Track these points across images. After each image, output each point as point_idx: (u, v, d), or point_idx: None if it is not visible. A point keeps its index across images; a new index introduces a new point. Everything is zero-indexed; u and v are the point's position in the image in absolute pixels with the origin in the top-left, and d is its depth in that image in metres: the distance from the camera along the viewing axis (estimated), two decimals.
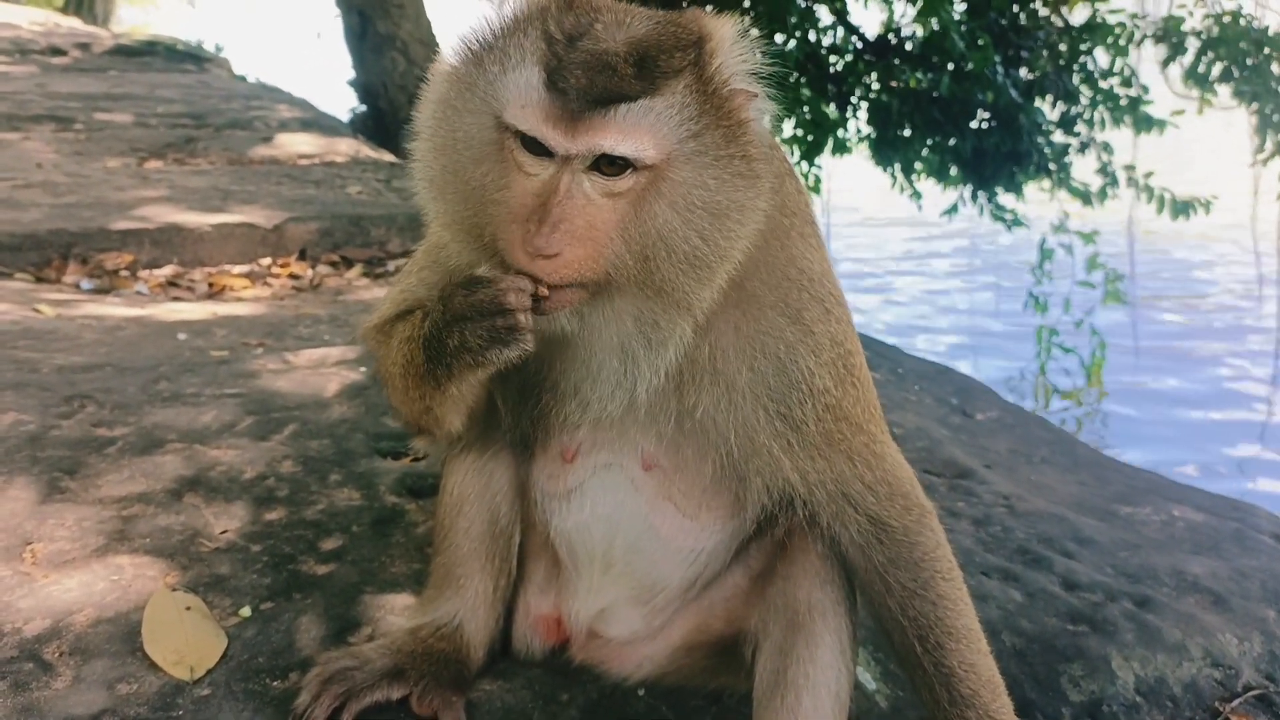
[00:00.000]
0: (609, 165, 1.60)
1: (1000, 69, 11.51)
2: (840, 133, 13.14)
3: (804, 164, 13.15)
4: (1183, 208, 11.51)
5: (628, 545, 1.99)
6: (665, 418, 1.86)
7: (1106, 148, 12.23)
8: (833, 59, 13.19)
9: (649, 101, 1.58)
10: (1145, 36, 12.18)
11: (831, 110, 12.99)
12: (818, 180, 13.28)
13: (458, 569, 2.11)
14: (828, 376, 1.82)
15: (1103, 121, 12.18)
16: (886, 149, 12.97)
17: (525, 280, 1.63)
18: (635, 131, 1.57)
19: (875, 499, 1.87)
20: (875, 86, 12.85)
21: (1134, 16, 12.02)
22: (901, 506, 1.89)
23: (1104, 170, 12.14)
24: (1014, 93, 11.58)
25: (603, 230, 1.62)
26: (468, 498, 2.09)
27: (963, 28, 11.33)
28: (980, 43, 11.25)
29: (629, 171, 1.60)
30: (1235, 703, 2.47)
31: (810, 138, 12.92)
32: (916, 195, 13.32)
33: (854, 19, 13.30)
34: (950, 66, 11.55)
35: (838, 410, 1.83)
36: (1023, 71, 12.01)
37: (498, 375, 1.82)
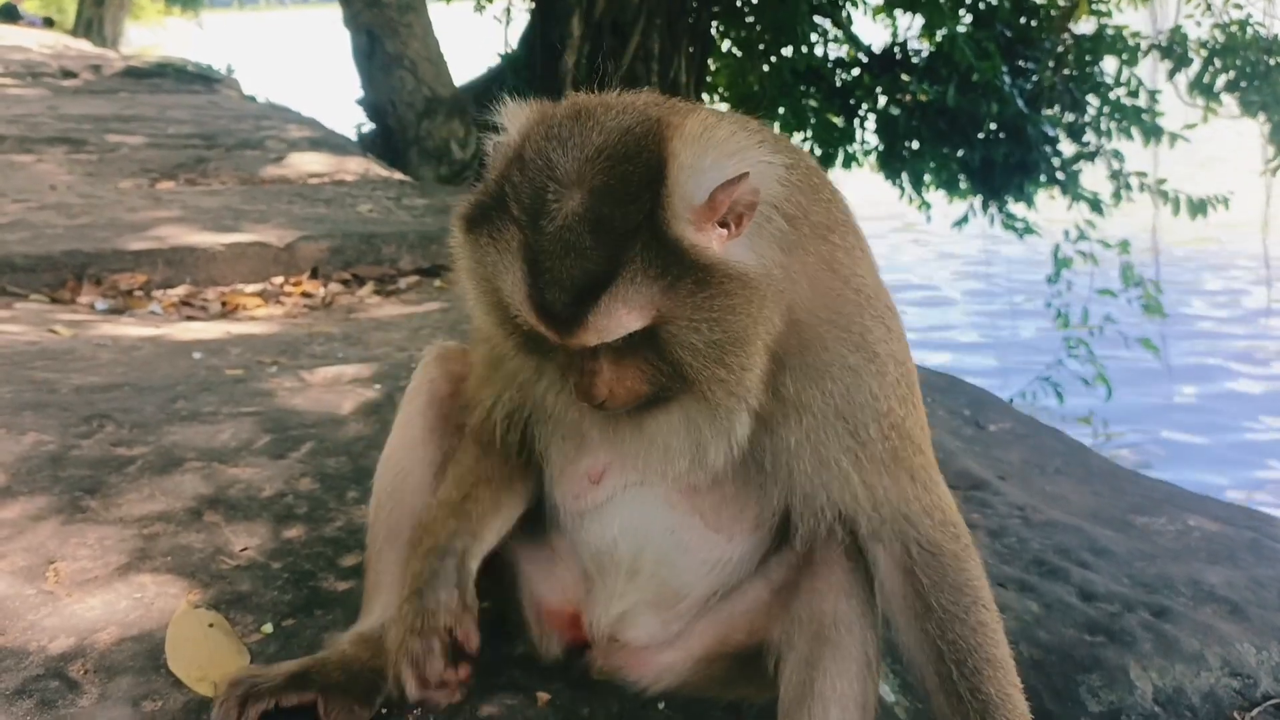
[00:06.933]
0: None
1: (1007, 79, 11.56)
2: (850, 146, 13.18)
3: None
4: (1200, 206, 11.52)
5: (655, 558, 1.99)
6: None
7: (1117, 155, 12.26)
8: (839, 73, 13.25)
9: (615, 288, 1.55)
10: (1153, 46, 12.21)
11: (839, 123, 13.04)
12: None
13: (383, 575, 2.13)
14: (893, 397, 1.83)
15: (1109, 131, 12.22)
16: (895, 162, 13.01)
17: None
18: (611, 319, 1.57)
19: (930, 522, 1.88)
20: (882, 100, 12.91)
21: (1136, 35, 12.07)
22: (952, 533, 1.91)
23: (1116, 176, 12.16)
24: (1020, 102, 11.62)
25: (634, 369, 1.66)
26: (382, 498, 2.16)
27: (969, 40, 11.39)
28: (989, 51, 11.29)
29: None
30: (1254, 712, 2.47)
31: (819, 151, 12.96)
32: (925, 205, 13.34)
33: (859, 32, 13.39)
34: (957, 78, 11.60)
35: (902, 428, 1.85)
36: (1029, 82, 12.05)
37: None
